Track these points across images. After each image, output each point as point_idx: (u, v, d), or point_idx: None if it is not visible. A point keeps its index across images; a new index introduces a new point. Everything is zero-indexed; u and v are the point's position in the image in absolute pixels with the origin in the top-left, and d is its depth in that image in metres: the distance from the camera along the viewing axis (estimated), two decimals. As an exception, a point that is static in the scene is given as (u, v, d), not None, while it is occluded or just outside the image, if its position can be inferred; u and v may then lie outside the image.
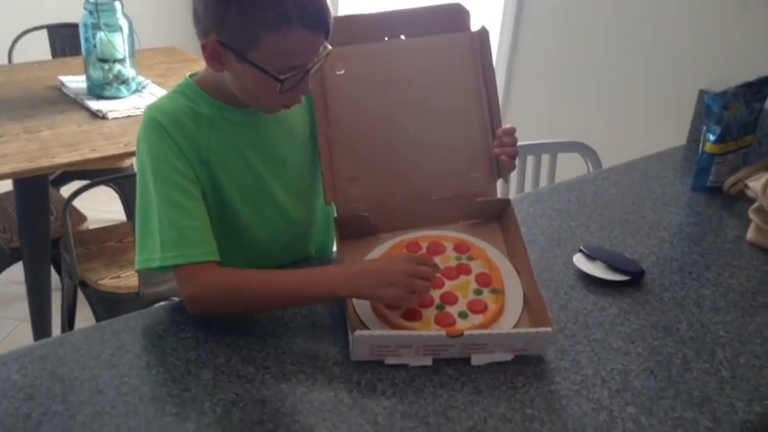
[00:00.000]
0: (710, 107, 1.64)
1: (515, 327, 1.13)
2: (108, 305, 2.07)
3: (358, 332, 1.03)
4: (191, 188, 1.12)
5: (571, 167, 1.92)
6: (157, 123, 1.12)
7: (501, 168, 1.27)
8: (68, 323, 2.19)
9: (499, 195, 1.33)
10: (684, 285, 1.31)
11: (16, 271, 2.23)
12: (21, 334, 2.50)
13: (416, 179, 1.27)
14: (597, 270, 1.31)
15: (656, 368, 1.10)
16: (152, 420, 0.95)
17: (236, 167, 1.20)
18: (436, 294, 1.16)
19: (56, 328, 2.29)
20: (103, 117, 2.15)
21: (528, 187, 1.92)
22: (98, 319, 2.06)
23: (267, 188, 1.24)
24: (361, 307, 1.14)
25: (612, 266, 1.31)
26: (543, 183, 1.93)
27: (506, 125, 1.26)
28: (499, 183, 1.33)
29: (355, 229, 1.26)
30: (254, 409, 0.98)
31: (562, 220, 1.51)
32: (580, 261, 1.33)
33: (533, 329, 1.08)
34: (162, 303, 1.19)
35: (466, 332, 1.05)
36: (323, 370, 1.05)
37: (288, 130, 1.25)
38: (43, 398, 0.98)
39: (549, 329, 1.06)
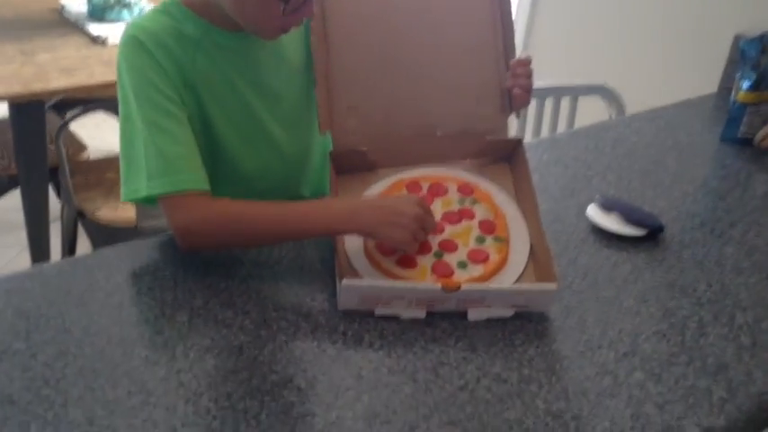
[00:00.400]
0: (746, 52, 1.52)
1: (518, 280, 1.04)
2: (105, 237, 2.01)
3: (346, 280, 0.95)
4: (176, 111, 1.03)
5: (592, 113, 1.81)
6: (138, 42, 1.02)
7: (513, 103, 1.17)
8: (69, 253, 2.13)
9: (511, 134, 1.23)
10: (706, 243, 1.21)
11: (18, 197, 2.18)
12: (22, 261, 2.47)
13: (420, 112, 1.17)
14: (612, 223, 1.21)
15: (669, 331, 1.01)
16: (119, 364, 0.89)
17: (224, 96, 1.10)
18: (435, 241, 1.07)
19: (57, 257, 2.23)
20: (103, 43, 2.05)
21: (545, 133, 1.81)
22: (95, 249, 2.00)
23: (259, 120, 1.15)
24: (354, 250, 1.06)
25: (629, 220, 1.21)
26: (562, 129, 1.82)
27: (522, 55, 1.15)
28: (511, 119, 1.23)
29: (351, 164, 1.17)
30: (229, 356, 0.91)
31: (578, 168, 1.41)
32: (594, 213, 1.24)
33: (536, 286, 0.99)
34: (141, 239, 1.11)
35: (463, 286, 0.96)
36: (307, 318, 0.98)
37: (281, 59, 1.15)
38: (4, 334, 0.91)
39: (553, 286, 0.98)
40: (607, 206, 1.24)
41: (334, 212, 1.01)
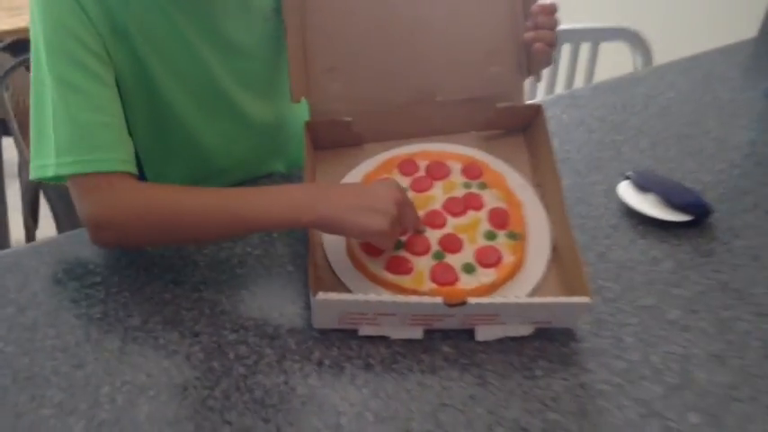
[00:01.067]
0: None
1: (537, 287, 0.83)
2: (67, 202, 1.79)
3: (321, 295, 0.74)
4: (97, 68, 0.80)
5: (615, 62, 1.57)
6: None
7: (533, 61, 0.94)
8: (32, 218, 1.90)
9: (527, 99, 1.00)
10: (761, 229, 1.00)
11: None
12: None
13: (416, 74, 0.94)
14: (649, 205, 1.00)
15: (726, 352, 0.81)
16: (22, 413, 0.68)
17: (169, 47, 0.87)
18: (434, 237, 0.86)
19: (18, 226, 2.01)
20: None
21: (560, 86, 1.57)
22: (57, 219, 1.78)
23: (215, 79, 0.92)
24: (333, 249, 0.85)
25: (669, 201, 1.00)
26: (580, 81, 1.58)
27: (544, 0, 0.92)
28: (528, 82, 1.00)
29: (333, 138, 0.95)
30: (169, 400, 0.70)
31: (604, 132, 1.19)
32: (627, 192, 1.02)
33: (564, 300, 0.78)
34: (67, 233, 0.89)
35: (471, 300, 0.75)
36: (273, 341, 0.77)
37: (244, 2, 0.91)
38: None
39: (586, 300, 0.77)
40: (642, 184, 1.02)
41: (292, 200, 0.78)
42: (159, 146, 0.93)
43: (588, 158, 1.11)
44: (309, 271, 0.78)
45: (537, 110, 0.94)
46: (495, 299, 0.78)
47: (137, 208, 0.78)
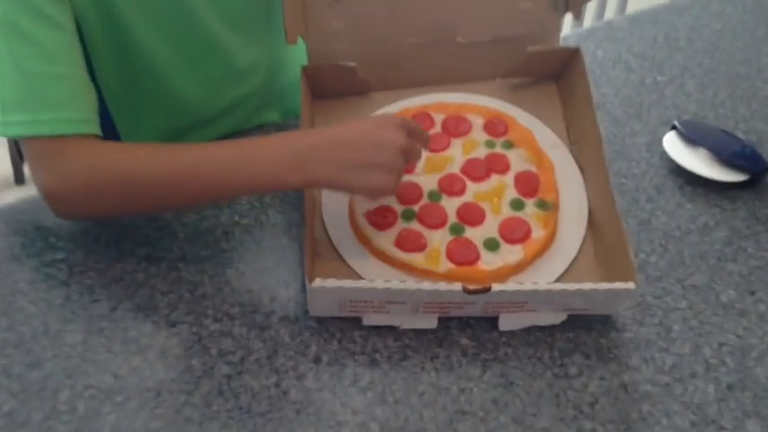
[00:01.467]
0: None
1: (571, 268, 0.71)
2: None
3: (318, 282, 0.63)
4: (50, 8, 0.67)
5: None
6: None
7: None
8: (18, 154, 1.77)
9: (562, 42, 0.86)
10: (827, 191, 0.87)
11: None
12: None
13: (433, 9, 0.80)
14: (698, 162, 0.87)
15: (790, 343, 0.69)
16: (-33, 426, 0.58)
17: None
18: (452, 207, 0.74)
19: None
20: None
21: (590, 18, 1.40)
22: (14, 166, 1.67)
23: (196, 17, 0.78)
24: (333, 218, 0.73)
25: (720, 157, 0.86)
26: (611, 11, 1.41)
27: None
28: (567, 21, 0.85)
29: (335, 85, 0.82)
30: (139, 408, 0.60)
31: (644, 71, 1.04)
32: (673, 145, 0.89)
33: (605, 286, 0.66)
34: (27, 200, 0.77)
35: (495, 287, 0.64)
36: (262, 333, 0.66)
37: None
38: None
39: (631, 286, 0.65)
40: (690, 135, 0.88)
41: (275, 158, 0.65)
42: (130, 96, 0.80)
43: (627, 103, 0.97)
44: (306, 249, 0.66)
45: (574, 54, 0.80)
46: (524, 285, 0.66)
47: (96, 177, 0.66)
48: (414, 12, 0.80)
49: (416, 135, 0.68)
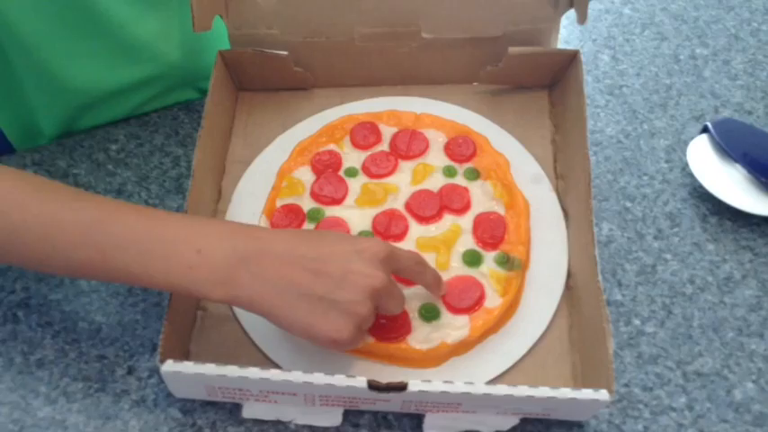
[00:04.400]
0: None
1: (534, 351, 0.53)
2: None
3: (170, 364, 0.46)
4: None
5: None
6: None
7: None
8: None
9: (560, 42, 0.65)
10: None
11: None
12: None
13: None
14: (731, 183, 0.66)
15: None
16: None
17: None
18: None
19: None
20: None
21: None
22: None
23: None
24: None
25: (763, 179, 0.66)
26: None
27: None
28: (566, 20, 0.64)
29: (264, 77, 0.63)
30: None
31: (681, 41, 0.81)
32: (701, 155, 0.68)
33: (568, 393, 0.48)
34: None
35: (413, 384, 0.46)
36: (105, 424, 0.50)
37: None
38: None
39: (604, 396, 0.47)
40: (725, 144, 0.67)
41: (196, 258, 0.45)
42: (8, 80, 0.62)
43: (652, 86, 0.75)
44: (171, 304, 0.49)
45: (571, 58, 0.59)
46: (454, 385, 0.48)
47: None
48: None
49: (407, 274, 0.50)
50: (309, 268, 0.45)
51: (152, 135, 0.68)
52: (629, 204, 0.65)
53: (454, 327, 0.53)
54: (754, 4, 0.86)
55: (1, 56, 0.61)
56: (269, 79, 0.64)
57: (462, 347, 0.53)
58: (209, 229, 0.47)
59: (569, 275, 0.56)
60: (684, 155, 0.68)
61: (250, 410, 0.51)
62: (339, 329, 0.45)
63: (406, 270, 0.49)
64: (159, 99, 0.69)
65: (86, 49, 0.62)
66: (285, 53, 0.61)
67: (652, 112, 0.73)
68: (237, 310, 0.55)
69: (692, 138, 0.69)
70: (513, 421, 0.51)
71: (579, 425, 0.52)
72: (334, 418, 0.51)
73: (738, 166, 0.66)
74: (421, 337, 0.53)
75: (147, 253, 0.45)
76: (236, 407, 0.51)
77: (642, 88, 0.75)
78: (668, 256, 0.62)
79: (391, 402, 0.49)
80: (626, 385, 0.55)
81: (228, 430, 0.50)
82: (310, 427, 0.51)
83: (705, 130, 0.69)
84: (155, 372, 0.53)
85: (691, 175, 0.67)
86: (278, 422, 0.51)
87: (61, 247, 0.45)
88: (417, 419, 0.51)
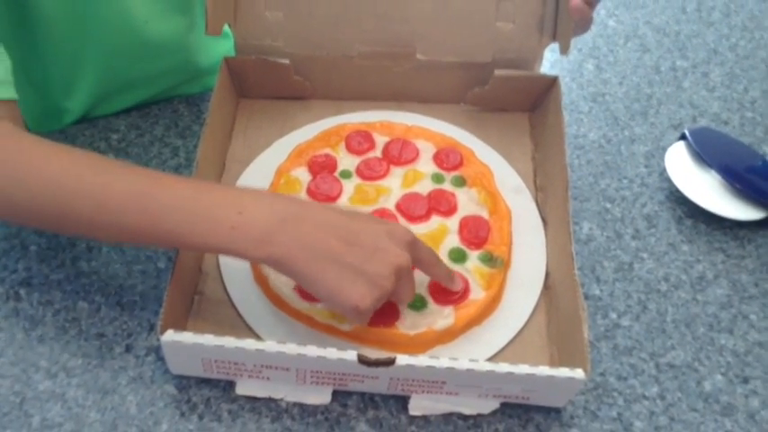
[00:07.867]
0: None
1: (516, 341, 0.56)
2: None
3: (170, 335, 0.48)
4: None
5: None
6: None
7: (562, 23, 0.63)
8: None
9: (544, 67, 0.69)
10: None
11: None
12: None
13: (395, 16, 0.65)
14: (706, 188, 0.69)
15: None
16: None
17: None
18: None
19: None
20: None
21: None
22: None
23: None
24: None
25: (737, 185, 0.69)
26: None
27: None
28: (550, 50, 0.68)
29: (266, 85, 0.67)
30: None
31: (663, 53, 0.85)
32: (677, 161, 0.71)
33: (544, 370, 0.50)
34: None
35: (401, 359, 0.49)
36: (103, 399, 0.52)
37: None
38: None
39: (579, 374, 0.49)
40: (702, 151, 0.71)
41: (238, 221, 0.48)
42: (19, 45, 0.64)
43: (634, 94, 0.79)
44: (170, 283, 0.51)
45: (551, 83, 0.62)
46: (439, 361, 0.50)
47: (11, 179, 0.49)
48: (369, 17, 0.64)
49: (424, 265, 0.53)
50: (344, 238, 0.48)
51: (152, 126, 0.70)
52: (608, 205, 0.68)
53: (441, 315, 0.55)
54: (733, 20, 0.90)
55: (32, 44, 0.63)
56: (269, 87, 0.67)
57: (447, 336, 0.55)
58: (250, 195, 0.50)
59: (548, 275, 0.59)
60: (662, 160, 0.71)
61: (243, 387, 0.53)
62: (363, 297, 0.48)
63: (423, 260, 0.52)
64: (169, 91, 0.72)
65: (113, 42, 0.64)
66: (286, 61, 0.65)
67: (633, 120, 0.76)
68: (233, 295, 0.57)
69: (670, 144, 0.72)
70: (494, 405, 0.54)
71: (557, 410, 0.55)
72: (323, 396, 0.53)
73: (713, 173, 0.69)
74: (408, 323, 0.55)
75: (193, 216, 0.48)
76: (230, 385, 0.53)
77: (624, 96, 0.79)
78: (645, 255, 0.65)
79: (379, 380, 0.52)
80: (602, 374, 0.57)
81: (222, 407, 0.52)
82: (300, 404, 0.53)
83: (683, 137, 0.72)
84: (152, 350, 0.55)
85: (668, 179, 0.70)
86: (269, 400, 0.53)
87: (113, 213, 0.48)
88: (403, 401, 0.54)
